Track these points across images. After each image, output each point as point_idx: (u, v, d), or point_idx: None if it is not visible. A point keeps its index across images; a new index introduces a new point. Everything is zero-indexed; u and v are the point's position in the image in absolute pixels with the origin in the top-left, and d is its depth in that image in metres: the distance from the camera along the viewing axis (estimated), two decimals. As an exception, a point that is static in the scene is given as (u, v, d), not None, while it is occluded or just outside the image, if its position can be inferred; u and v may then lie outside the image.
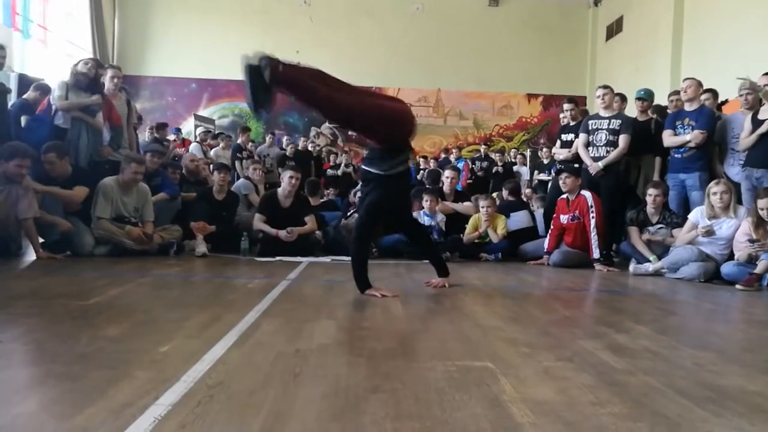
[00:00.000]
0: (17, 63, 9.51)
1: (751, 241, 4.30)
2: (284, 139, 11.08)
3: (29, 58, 10.02)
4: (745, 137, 4.93)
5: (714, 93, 5.84)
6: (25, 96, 5.93)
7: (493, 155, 11.27)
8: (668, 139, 5.38)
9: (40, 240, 4.61)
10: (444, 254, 5.48)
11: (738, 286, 4.13)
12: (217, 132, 10.85)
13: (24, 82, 7.92)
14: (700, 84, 5.37)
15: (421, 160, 11.46)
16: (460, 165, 10.32)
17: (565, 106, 6.34)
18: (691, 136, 5.18)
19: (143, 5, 13.59)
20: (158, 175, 5.73)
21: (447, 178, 6.37)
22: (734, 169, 5.22)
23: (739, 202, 4.83)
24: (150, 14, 13.69)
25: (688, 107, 5.34)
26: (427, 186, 6.45)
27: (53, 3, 10.75)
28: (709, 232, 4.62)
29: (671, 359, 2.07)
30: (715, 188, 4.65)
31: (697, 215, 4.78)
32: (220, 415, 1.38)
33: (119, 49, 13.51)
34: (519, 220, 6.12)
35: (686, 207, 5.24)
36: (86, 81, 5.11)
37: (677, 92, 5.89)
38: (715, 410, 1.52)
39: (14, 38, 9.34)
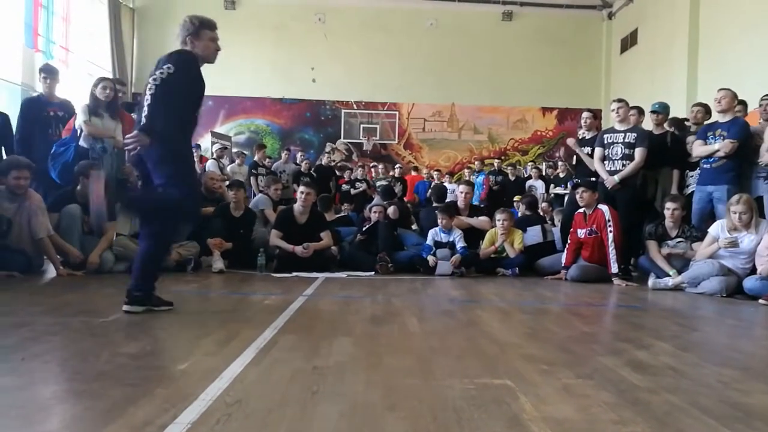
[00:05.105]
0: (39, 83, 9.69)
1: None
2: (299, 155, 11.14)
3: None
4: (766, 149, 4.85)
5: (744, 104, 5.72)
6: None
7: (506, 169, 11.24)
8: (698, 148, 5.26)
9: (59, 258, 4.66)
10: (459, 269, 5.49)
11: (761, 301, 4.06)
12: (234, 151, 11.00)
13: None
14: (735, 95, 5.20)
15: (435, 173, 11.45)
16: (481, 179, 10.27)
17: (584, 114, 6.30)
18: (719, 144, 5.05)
19: (161, 24, 13.81)
20: None
21: (461, 192, 6.34)
22: (756, 183, 5.11)
23: (762, 215, 4.74)
24: (167, 33, 13.81)
25: (721, 118, 5.19)
26: (434, 202, 6.44)
27: (75, 24, 10.98)
28: (733, 244, 4.53)
29: (694, 377, 2.03)
30: (734, 207, 4.55)
31: (717, 229, 4.70)
32: (239, 433, 1.38)
33: (138, 68, 13.72)
34: (536, 234, 6.09)
35: (712, 221, 5.05)
36: (106, 104, 5.21)
37: (700, 104, 5.78)
38: (742, 430, 1.49)
39: (36, 59, 9.54)
